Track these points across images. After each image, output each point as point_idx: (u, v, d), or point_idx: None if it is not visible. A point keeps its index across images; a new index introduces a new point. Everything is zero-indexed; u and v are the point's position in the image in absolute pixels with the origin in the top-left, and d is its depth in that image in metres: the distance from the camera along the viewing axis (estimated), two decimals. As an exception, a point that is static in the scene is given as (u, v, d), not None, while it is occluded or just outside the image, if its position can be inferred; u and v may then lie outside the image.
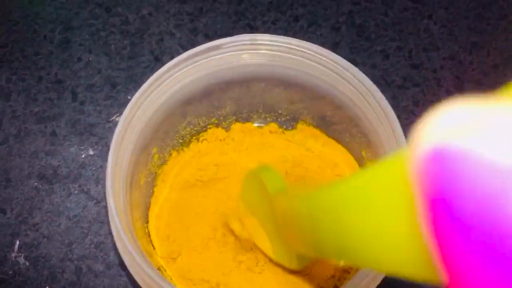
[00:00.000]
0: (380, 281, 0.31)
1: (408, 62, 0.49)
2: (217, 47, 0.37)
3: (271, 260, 0.38)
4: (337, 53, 0.38)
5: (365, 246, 0.18)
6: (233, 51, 0.38)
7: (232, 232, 0.39)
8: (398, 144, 0.35)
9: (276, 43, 0.38)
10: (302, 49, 0.38)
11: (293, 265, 0.35)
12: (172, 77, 0.37)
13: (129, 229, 0.33)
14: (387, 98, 0.36)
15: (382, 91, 0.36)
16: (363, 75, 0.36)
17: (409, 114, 0.47)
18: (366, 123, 0.38)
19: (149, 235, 0.40)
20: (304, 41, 0.37)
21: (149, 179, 0.41)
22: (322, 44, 0.50)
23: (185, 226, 0.40)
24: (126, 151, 0.35)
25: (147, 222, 0.40)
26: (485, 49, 0.50)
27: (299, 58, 0.38)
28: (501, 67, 0.49)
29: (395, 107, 0.36)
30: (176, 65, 0.37)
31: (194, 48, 0.37)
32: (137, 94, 0.35)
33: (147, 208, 0.41)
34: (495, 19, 0.51)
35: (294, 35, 0.51)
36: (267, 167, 0.36)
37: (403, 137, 0.35)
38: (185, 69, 0.37)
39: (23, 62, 0.50)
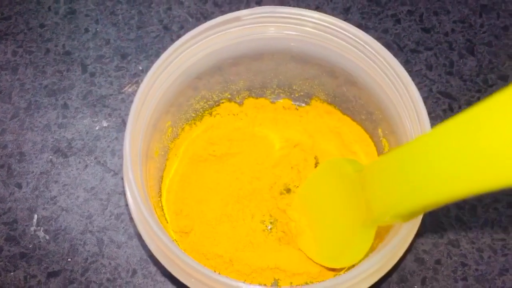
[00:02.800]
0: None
1: (419, 26, 0.49)
2: (237, 18, 0.37)
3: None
4: (348, 19, 0.37)
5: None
6: (251, 23, 0.37)
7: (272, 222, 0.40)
8: (421, 122, 0.34)
9: (297, 16, 0.37)
10: (322, 22, 0.37)
11: (341, 261, 0.35)
12: (187, 50, 0.36)
13: (146, 201, 0.33)
14: (400, 62, 0.35)
15: (395, 56, 0.36)
16: (384, 49, 0.36)
17: (422, 77, 0.47)
18: (384, 99, 0.37)
19: (162, 209, 0.40)
20: (326, 15, 0.37)
21: (162, 153, 0.40)
22: (333, 10, 0.50)
23: (197, 201, 0.40)
24: (143, 124, 0.34)
25: (160, 196, 0.40)
26: (495, 12, 0.50)
27: (317, 31, 0.37)
28: (511, 28, 0.49)
29: (408, 71, 0.36)
30: (192, 37, 0.36)
31: (212, 20, 0.36)
32: (152, 69, 0.35)
33: (160, 181, 0.41)
34: (504, -19, 0.51)
35: (304, 1, 0.50)
36: (345, 158, 0.37)
37: (426, 115, 0.34)
38: (200, 43, 0.36)
39: (29, 35, 0.48)
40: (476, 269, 0.40)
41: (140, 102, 0.34)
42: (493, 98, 0.22)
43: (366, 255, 0.35)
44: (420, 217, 0.33)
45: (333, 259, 0.36)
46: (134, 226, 0.41)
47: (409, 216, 0.31)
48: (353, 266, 0.37)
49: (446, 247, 0.41)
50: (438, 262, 0.40)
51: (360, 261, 0.35)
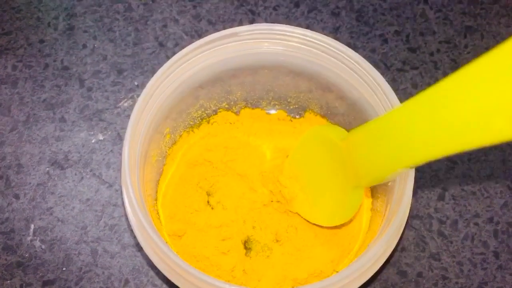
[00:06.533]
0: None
1: (406, 46, 0.51)
2: (235, 34, 0.39)
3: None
4: (337, 38, 0.39)
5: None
6: (249, 39, 0.39)
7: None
8: None
9: (293, 34, 0.39)
10: (316, 41, 0.39)
11: (335, 220, 0.39)
12: (188, 62, 0.38)
13: (142, 205, 0.34)
14: (387, 81, 0.37)
15: (382, 74, 0.38)
16: (373, 68, 0.38)
17: (408, 96, 0.48)
18: (372, 115, 0.39)
19: (158, 212, 0.42)
20: (319, 33, 0.39)
21: (160, 158, 0.42)
22: (323, 29, 0.51)
23: (190, 206, 0.42)
24: (143, 129, 0.36)
25: (156, 199, 0.42)
26: (479, 33, 0.52)
27: (312, 49, 0.40)
28: (494, 50, 0.51)
29: (394, 89, 0.37)
30: (192, 50, 0.38)
31: (212, 34, 0.38)
32: (155, 77, 0.37)
33: (157, 186, 0.42)
34: (488, 3, 0.53)
35: (295, 20, 0.52)
36: (328, 125, 0.42)
37: None
38: (200, 55, 0.39)
39: (28, 50, 0.50)
40: (456, 282, 0.42)
41: (141, 108, 0.36)
42: (452, 77, 0.26)
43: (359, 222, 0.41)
44: (401, 230, 0.34)
45: (327, 218, 0.40)
46: (129, 237, 0.42)
47: (392, 177, 0.34)
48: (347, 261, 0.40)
49: (427, 261, 0.42)
50: (419, 275, 0.42)
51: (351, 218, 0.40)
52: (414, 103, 0.29)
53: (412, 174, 0.35)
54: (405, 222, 0.34)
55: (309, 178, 0.41)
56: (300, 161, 0.41)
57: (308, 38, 0.39)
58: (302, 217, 0.41)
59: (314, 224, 0.41)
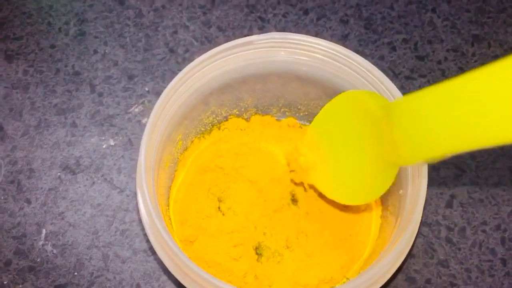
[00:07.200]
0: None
1: (414, 54, 0.51)
2: (250, 43, 0.39)
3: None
4: (345, 46, 0.40)
5: None
6: (262, 47, 0.40)
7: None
8: None
9: (306, 43, 0.40)
10: (329, 49, 0.40)
11: (358, 198, 0.35)
12: (202, 70, 0.39)
13: (157, 209, 0.35)
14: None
15: (391, 82, 0.39)
16: (385, 76, 0.38)
17: (416, 103, 0.49)
18: None
19: (170, 218, 0.42)
20: (330, 42, 0.40)
21: (172, 164, 0.42)
22: (331, 37, 0.52)
23: (201, 211, 0.42)
24: (157, 136, 0.37)
25: (168, 205, 0.42)
26: (486, 41, 0.52)
27: (323, 57, 0.40)
28: (501, 58, 0.51)
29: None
30: (208, 58, 0.39)
31: (227, 43, 0.39)
32: (170, 84, 0.37)
33: (168, 192, 0.43)
34: (495, 12, 0.54)
35: (304, 28, 0.52)
36: (364, 90, 0.35)
37: None
38: (214, 63, 0.39)
39: (39, 55, 0.50)
40: (465, 289, 0.42)
41: (157, 115, 0.37)
42: None
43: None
44: (413, 239, 0.35)
45: (349, 195, 0.36)
46: (140, 242, 0.43)
47: (438, 159, 0.29)
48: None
49: (436, 267, 0.43)
50: (428, 281, 0.42)
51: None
52: (484, 73, 0.24)
53: (424, 184, 0.35)
54: (416, 231, 0.35)
55: (333, 148, 0.36)
56: (325, 128, 0.37)
57: (319, 47, 0.40)
58: (318, 190, 0.39)
59: (331, 201, 0.38)
